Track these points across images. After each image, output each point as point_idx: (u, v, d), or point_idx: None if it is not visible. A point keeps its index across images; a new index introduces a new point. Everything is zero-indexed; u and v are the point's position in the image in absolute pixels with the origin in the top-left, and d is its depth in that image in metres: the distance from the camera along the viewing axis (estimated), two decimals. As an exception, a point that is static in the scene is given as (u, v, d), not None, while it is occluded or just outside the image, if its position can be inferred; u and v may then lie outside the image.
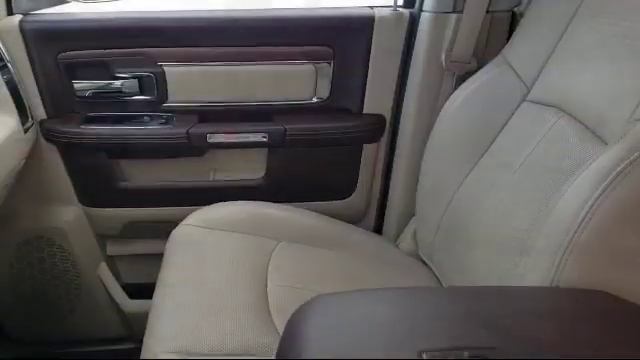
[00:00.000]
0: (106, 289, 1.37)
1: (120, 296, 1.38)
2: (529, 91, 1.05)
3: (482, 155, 1.07)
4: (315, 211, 1.27)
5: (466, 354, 0.52)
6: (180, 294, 0.95)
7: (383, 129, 1.31)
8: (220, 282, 0.98)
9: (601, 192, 0.68)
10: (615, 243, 0.68)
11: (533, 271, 0.74)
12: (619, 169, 0.68)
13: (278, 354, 0.61)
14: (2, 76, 1.11)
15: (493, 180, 1.01)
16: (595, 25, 0.93)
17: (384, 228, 1.39)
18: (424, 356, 0.52)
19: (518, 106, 1.05)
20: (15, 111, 1.13)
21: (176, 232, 1.14)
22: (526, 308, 0.63)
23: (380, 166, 1.35)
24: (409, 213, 1.30)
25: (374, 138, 1.31)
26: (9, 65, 1.14)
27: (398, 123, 1.30)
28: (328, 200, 1.35)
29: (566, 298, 0.66)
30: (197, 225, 1.15)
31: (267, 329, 0.87)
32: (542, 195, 0.84)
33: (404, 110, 1.28)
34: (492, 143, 1.07)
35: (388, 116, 1.30)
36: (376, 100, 1.28)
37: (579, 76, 0.92)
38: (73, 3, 1.28)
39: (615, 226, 0.68)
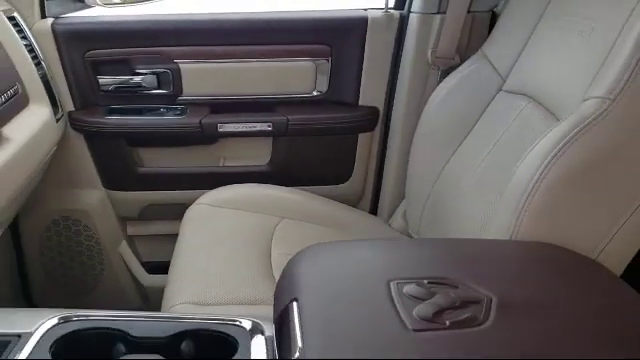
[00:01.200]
0: (126, 266, 1.51)
1: (139, 272, 1.51)
2: (504, 82, 1.17)
3: (462, 141, 1.20)
4: (315, 194, 1.40)
5: (425, 281, 0.65)
6: (194, 259, 1.09)
7: (377, 120, 1.44)
8: (229, 250, 1.11)
9: (550, 159, 0.80)
10: (563, 202, 0.81)
11: (497, 231, 0.87)
12: (566, 139, 0.80)
13: (275, 294, 0.74)
14: (37, 72, 1.25)
15: (470, 162, 1.13)
16: (558, 23, 1.06)
17: (379, 210, 1.51)
18: (391, 283, 0.65)
19: (494, 96, 1.18)
20: (48, 103, 1.27)
21: (190, 210, 1.27)
22: (483, 253, 0.76)
23: (375, 153, 1.48)
24: (401, 196, 1.43)
25: (369, 128, 1.45)
26: (42, 63, 1.29)
27: (390, 114, 1.43)
28: (327, 184, 1.48)
29: (519, 248, 0.79)
30: (209, 204, 1.28)
31: (270, 285, 1.00)
32: (507, 167, 0.96)
33: (396, 102, 1.41)
34: (471, 130, 1.19)
35: (381, 108, 1.43)
36: (370, 93, 1.41)
37: (544, 67, 1.05)
38: (97, 7, 1.42)
39: (563, 188, 0.80)
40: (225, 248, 1.12)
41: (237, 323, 0.76)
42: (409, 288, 0.63)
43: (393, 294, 0.63)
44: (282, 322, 0.65)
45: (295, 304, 0.64)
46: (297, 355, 0.57)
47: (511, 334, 0.57)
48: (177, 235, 1.23)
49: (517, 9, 1.21)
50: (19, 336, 0.71)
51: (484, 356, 0.54)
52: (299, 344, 0.58)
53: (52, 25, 1.31)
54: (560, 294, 0.66)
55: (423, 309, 0.60)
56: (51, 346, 0.70)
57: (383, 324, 0.58)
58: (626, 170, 0.81)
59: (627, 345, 0.58)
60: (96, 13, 1.40)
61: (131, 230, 1.54)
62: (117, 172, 1.44)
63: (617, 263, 0.86)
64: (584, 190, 0.80)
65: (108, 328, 0.74)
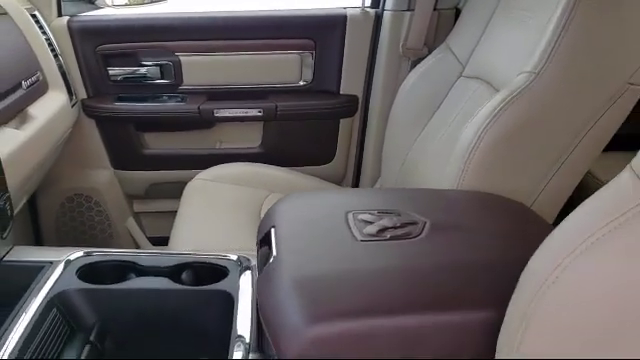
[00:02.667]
0: (133, 239, 1.68)
1: (145, 245, 1.68)
2: (464, 69, 1.34)
3: (428, 122, 1.36)
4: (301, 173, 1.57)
5: (375, 211, 0.82)
6: (193, 219, 1.26)
7: (356, 106, 1.61)
8: (223, 214, 1.28)
9: (486, 124, 0.97)
10: (498, 159, 0.97)
11: (445, 183, 1.03)
12: (499, 108, 0.97)
13: (259, 228, 0.90)
14: (55, 63, 1.43)
15: (430, 141, 1.30)
16: (507, 14, 1.23)
17: (360, 187, 1.68)
18: (349, 214, 0.81)
19: (455, 81, 1.34)
20: (64, 90, 1.44)
21: (190, 184, 1.44)
22: (427, 196, 0.92)
23: (355, 137, 1.65)
24: (379, 174, 1.59)
25: (349, 114, 1.62)
26: (59, 55, 1.46)
27: (368, 101, 1.60)
28: (313, 165, 1.65)
29: (458, 193, 0.95)
30: (207, 179, 1.45)
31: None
32: (458, 135, 1.13)
33: (373, 90, 1.58)
34: (435, 112, 1.36)
35: (360, 95, 1.60)
36: (350, 82, 1.59)
37: (494, 53, 1.22)
38: (107, 8, 1.60)
39: (497, 147, 0.96)
40: (220, 212, 1.29)
41: (227, 257, 0.93)
42: (362, 216, 0.80)
43: (349, 220, 0.79)
44: (264, 243, 0.82)
45: (273, 229, 0.81)
46: (272, 260, 0.73)
47: (437, 244, 0.74)
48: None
49: (475, 6, 1.38)
50: (51, 263, 0.88)
51: (413, 257, 0.71)
52: (274, 253, 0.74)
53: (68, 23, 1.48)
54: (482, 221, 0.82)
55: (370, 228, 0.76)
56: (77, 271, 0.87)
57: (338, 238, 0.75)
58: (550, 131, 0.98)
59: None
60: (106, 13, 1.57)
61: (137, 207, 1.71)
62: (124, 153, 1.61)
63: (548, 213, 1.02)
64: (515, 149, 0.97)
65: (122, 260, 0.91)
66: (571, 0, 0.95)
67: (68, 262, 0.88)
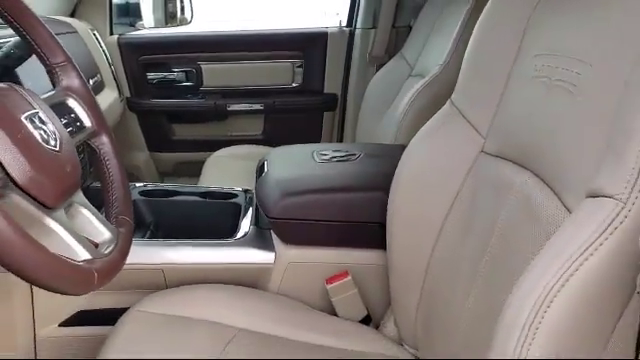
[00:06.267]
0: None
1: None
2: (412, 70, 1.81)
3: (386, 111, 1.83)
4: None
5: (331, 150, 1.28)
6: (213, 176, 1.72)
7: (336, 102, 2.09)
8: (235, 173, 1.75)
9: (411, 100, 1.44)
10: (419, 123, 1.43)
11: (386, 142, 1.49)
12: (421, 89, 1.44)
13: (256, 166, 1.36)
14: (109, 69, 1.91)
15: (389, 121, 1.76)
16: (440, 27, 1.70)
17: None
18: (314, 152, 1.28)
19: (405, 80, 1.81)
20: (116, 90, 1.93)
21: (209, 159, 1.91)
22: (371, 145, 1.39)
23: (336, 126, 2.12)
24: (354, 155, 2.05)
25: (331, 108, 2.09)
26: (111, 64, 1.95)
27: (346, 98, 2.08)
28: (303, 148, 2.11)
29: (390, 144, 1.41)
30: (221, 156, 1.92)
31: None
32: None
33: (349, 89, 2.06)
34: (392, 103, 1.83)
35: (339, 93, 2.08)
36: (331, 84, 2.07)
37: (429, 55, 1.68)
38: (144, 30, 2.09)
39: (418, 115, 1.43)
40: (230, 176, 1.75)
41: (236, 189, 1.40)
42: (322, 152, 1.27)
43: (314, 154, 1.26)
44: (260, 170, 1.28)
45: (266, 161, 1.27)
46: (264, 174, 1.20)
47: (364, 163, 1.20)
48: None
49: (421, 24, 1.86)
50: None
51: (346, 168, 1.17)
52: (266, 170, 1.21)
53: (117, 39, 1.98)
54: (397, 155, 1.29)
55: (325, 157, 1.23)
56: (139, 192, 1.34)
57: (304, 162, 1.21)
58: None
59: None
60: (145, 32, 2.07)
61: (167, 182, 2.18)
62: (158, 139, 2.09)
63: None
64: (430, 116, 1.43)
65: (167, 190, 1.38)
66: (469, 11, 1.42)
67: (133, 187, 1.35)
